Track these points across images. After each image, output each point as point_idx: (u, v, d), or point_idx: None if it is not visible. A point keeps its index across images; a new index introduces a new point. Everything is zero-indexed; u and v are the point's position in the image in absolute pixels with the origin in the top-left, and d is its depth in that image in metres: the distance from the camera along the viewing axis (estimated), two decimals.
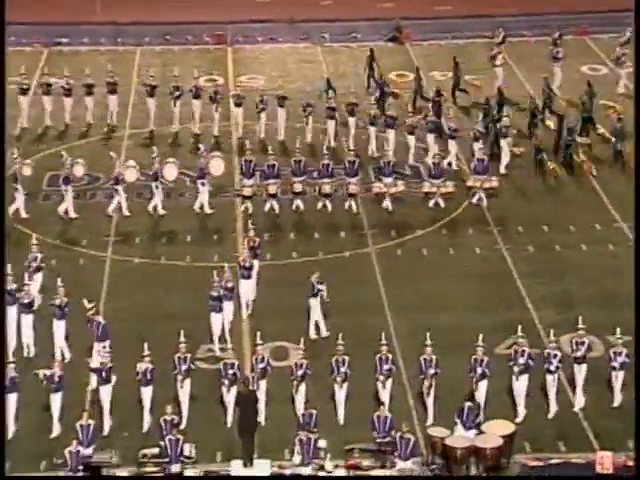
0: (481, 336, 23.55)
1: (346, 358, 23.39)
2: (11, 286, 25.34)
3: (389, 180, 31.76)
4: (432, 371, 23.26)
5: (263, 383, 23.33)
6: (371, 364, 23.62)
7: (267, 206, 31.37)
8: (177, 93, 35.71)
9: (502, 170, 33.35)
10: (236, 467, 21.51)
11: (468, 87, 37.88)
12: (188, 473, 21.16)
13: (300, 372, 23.26)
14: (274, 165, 31.54)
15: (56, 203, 31.56)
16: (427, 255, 29.92)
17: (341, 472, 21.18)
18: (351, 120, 34.77)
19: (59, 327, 24.88)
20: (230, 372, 23.24)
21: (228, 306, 25.70)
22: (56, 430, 22.75)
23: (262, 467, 21.53)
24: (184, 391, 23.31)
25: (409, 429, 21.78)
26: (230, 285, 25.73)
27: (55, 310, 24.97)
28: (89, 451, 21.23)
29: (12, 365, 23.09)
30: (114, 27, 44.74)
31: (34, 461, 21.97)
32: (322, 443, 21.66)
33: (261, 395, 23.18)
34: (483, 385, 23.28)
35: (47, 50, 43.32)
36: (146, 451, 21.50)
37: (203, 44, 44.00)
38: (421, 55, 42.22)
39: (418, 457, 21.81)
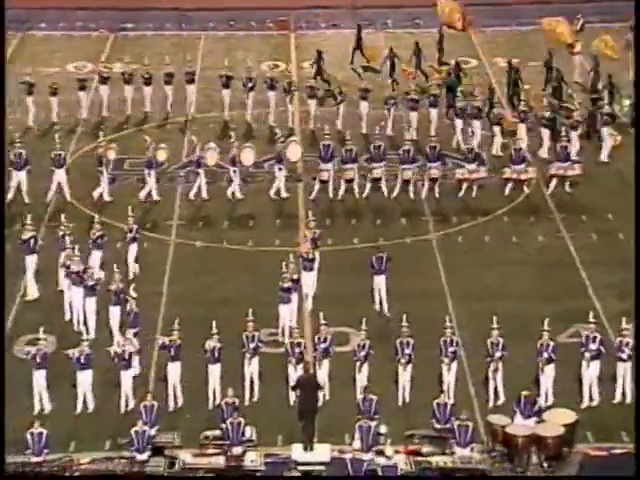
0: (547, 320, 23.51)
1: (410, 340, 23.53)
2: (79, 267, 25.71)
3: (472, 166, 31.75)
4: (499, 354, 23.27)
5: (326, 363, 23.54)
6: (432, 351, 23.65)
7: (341, 191, 31.45)
8: (250, 84, 35.75)
9: (603, 158, 33.12)
10: (297, 451, 21.65)
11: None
12: (249, 456, 21.32)
13: (362, 353, 23.43)
14: (352, 150, 31.61)
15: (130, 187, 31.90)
16: (489, 242, 29.82)
17: (401, 457, 21.21)
18: (433, 111, 34.68)
19: (114, 314, 25.18)
20: (297, 351, 23.48)
21: (294, 297, 25.84)
22: (130, 405, 23.08)
23: (322, 451, 21.65)
24: (252, 369, 23.58)
25: (468, 416, 21.78)
26: (295, 277, 25.88)
27: (111, 296, 25.33)
28: (153, 432, 21.49)
29: (86, 342, 23.48)
30: (179, 12, 45.11)
31: (99, 440, 22.28)
32: (382, 429, 21.72)
33: (323, 375, 23.38)
34: (549, 369, 23.27)
35: (113, 35, 43.78)
36: (208, 433, 21.71)
37: (266, 30, 44.15)
38: (484, 42, 41.95)
39: (478, 444, 21.81)
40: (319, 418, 22.13)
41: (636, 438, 21.28)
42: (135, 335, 24.08)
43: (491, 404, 23.25)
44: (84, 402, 23.26)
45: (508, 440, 21.46)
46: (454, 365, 23.60)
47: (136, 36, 43.97)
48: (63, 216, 28.16)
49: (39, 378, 23.25)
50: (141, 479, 20.88)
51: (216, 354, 23.35)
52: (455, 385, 23.51)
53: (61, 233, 27.17)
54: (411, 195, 31.54)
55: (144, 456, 21.03)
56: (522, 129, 33.68)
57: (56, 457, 21.13)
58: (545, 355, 23.23)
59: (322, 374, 23.43)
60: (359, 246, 29.29)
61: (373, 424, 21.53)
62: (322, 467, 21.28)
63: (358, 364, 23.50)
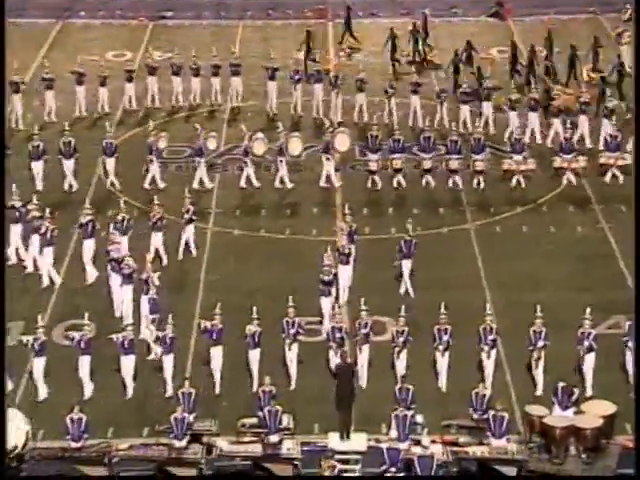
0: (589, 309, 23.42)
1: (448, 327, 23.57)
2: (118, 254, 25.93)
3: (519, 157, 31.62)
4: (541, 343, 23.25)
5: (365, 348, 23.67)
6: (470, 341, 23.63)
7: (395, 181, 31.53)
8: (297, 77, 35.77)
9: None
10: (333, 439, 21.70)
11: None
12: (286, 444, 21.38)
13: (401, 339, 23.52)
14: (399, 140, 31.61)
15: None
16: (527, 232, 29.70)
17: (438, 448, 21.18)
18: (485, 104, 34.47)
19: (143, 302, 25.29)
20: (338, 336, 23.57)
21: (334, 291, 25.86)
22: (169, 391, 23.25)
23: (359, 440, 21.70)
24: (292, 354, 23.71)
25: (504, 407, 21.72)
26: (334, 271, 25.90)
27: (142, 284, 25.46)
28: (191, 418, 21.59)
29: (130, 328, 23.71)
30: (217, 1, 45.17)
31: (137, 427, 22.45)
32: (419, 418, 21.72)
33: (363, 361, 23.52)
34: (590, 358, 23.23)
35: (151, 24, 43.93)
36: (245, 421, 21.80)
37: (304, 19, 44.11)
38: (522, 31, 41.69)
39: (514, 435, 21.75)
40: (356, 407, 22.16)
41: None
42: (154, 322, 24.20)
43: (538, 392, 23.23)
44: (126, 387, 23.46)
45: (546, 431, 21.38)
46: (493, 353, 23.62)
47: (175, 25, 44.09)
48: (122, 201, 28.42)
49: (84, 364, 23.44)
50: (179, 465, 21.00)
51: (256, 339, 23.48)
52: (494, 372, 23.50)
53: (120, 217, 27.56)
54: (450, 185, 31.45)
55: (182, 443, 21.14)
56: (584, 120, 33.31)
57: (95, 443, 21.27)
58: (586, 344, 23.20)
59: (362, 360, 23.57)
60: (395, 236, 29.21)
61: (410, 413, 21.54)
62: (358, 456, 21.30)
63: (397, 350, 23.63)
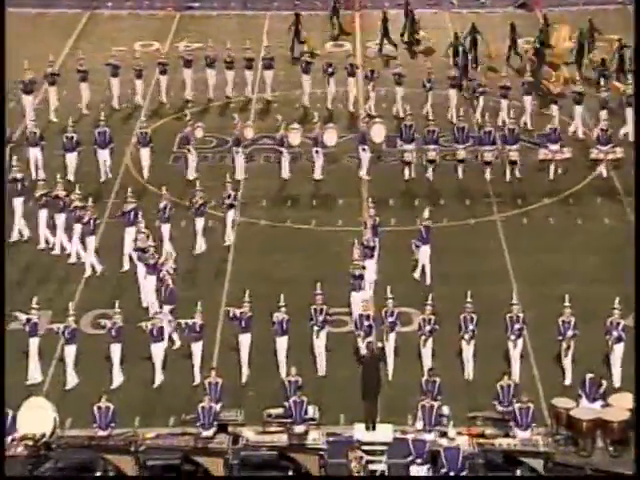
0: (617, 299, 23.33)
1: (474, 316, 23.58)
2: (144, 244, 25.98)
3: (556, 147, 31.51)
4: (570, 333, 23.22)
5: (392, 336, 23.73)
6: (496, 332, 23.59)
7: (429, 172, 31.51)
8: (330, 70, 35.69)
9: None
10: (359, 430, 21.70)
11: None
12: (312, 434, 21.41)
13: (427, 327, 23.56)
14: (434, 131, 31.58)
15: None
16: (553, 224, 29.58)
17: (464, 439, 21.15)
18: (527, 98, 34.37)
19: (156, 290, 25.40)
20: (365, 324, 23.61)
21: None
22: (197, 379, 23.35)
23: (385, 431, 21.69)
24: (320, 342, 23.79)
25: (530, 398, 21.66)
26: (363, 264, 25.84)
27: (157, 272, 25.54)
28: (217, 408, 21.65)
29: (160, 316, 23.83)
30: None
31: (163, 416, 22.55)
32: (445, 410, 21.68)
33: (389, 350, 23.61)
34: (619, 348, 23.20)
35: (178, 14, 43.98)
36: (271, 411, 21.83)
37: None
38: (551, 22, 41.40)
39: (541, 427, 21.70)
40: (382, 398, 22.16)
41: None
42: (171, 312, 24.25)
43: (567, 382, 23.21)
44: (155, 375, 23.54)
45: (573, 424, 21.32)
46: (520, 342, 23.60)
47: (202, 15, 44.13)
48: (165, 188, 28.49)
49: (115, 352, 23.55)
50: (205, 455, 21.06)
51: (284, 326, 23.53)
52: (520, 363, 23.48)
53: (162, 205, 27.73)
54: (487, 177, 31.39)
55: (209, 432, 21.20)
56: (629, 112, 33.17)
57: (122, 431, 21.37)
58: (615, 334, 23.12)
59: (389, 348, 23.63)
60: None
61: (436, 404, 21.52)
62: (384, 447, 21.29)
63: (423, 339, 23.65)
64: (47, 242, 28.34)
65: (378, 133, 32.12)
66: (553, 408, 21.83)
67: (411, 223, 29.25)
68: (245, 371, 23.70)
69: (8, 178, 28.83)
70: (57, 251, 28.10)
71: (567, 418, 21.43)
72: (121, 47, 38.72)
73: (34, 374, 23.54)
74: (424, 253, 26.72)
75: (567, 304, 23.49)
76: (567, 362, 23.43)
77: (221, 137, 33.99)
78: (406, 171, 31.59)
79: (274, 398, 22.27)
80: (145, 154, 31.67)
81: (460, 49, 36.87)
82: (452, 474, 20.24)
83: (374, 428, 21.73)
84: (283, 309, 23.68)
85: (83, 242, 27.48)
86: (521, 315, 23.65)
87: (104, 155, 31.39)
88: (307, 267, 27.47)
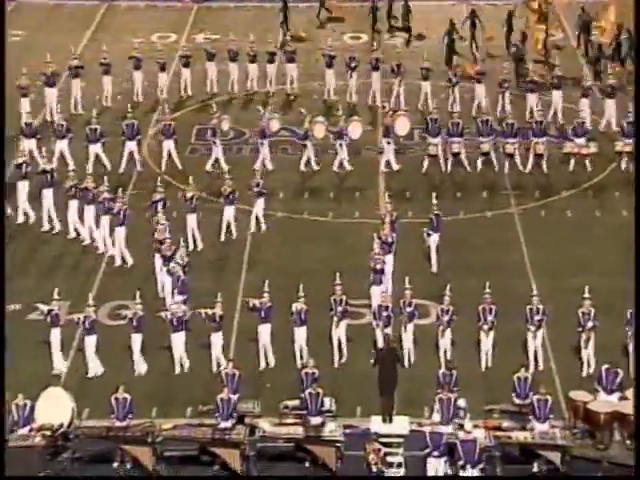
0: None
1: (493, 307, 23.58)
2: (162, 236, 26.02)
3: (581, 141, 31.42)
4: (590, 324, 23.19)
5: (410, 327, 23.78)
6: (514, 324, 23.57)
7: (449, 165, 31.47)
8: (353, 64, 35.65)
9: None
10: (375, 423, 21.70)
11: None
12: (328, 427, 21.42)
13: (446, 318, 23.58)
14: (458, 124, 31.54)
15: (203, 157, 32.12)
16: (571, 217, 29.50)
17: (480, 432, 21.13)
18: (556, 93, 34.24)
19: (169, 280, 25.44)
20: (384, 314, 23.67)
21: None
22: (215, 368, 23.43)
23: (401, 424, 21.68)
24: (340, 331, 23.83)
25: (547, 390, 21.62)
26: (383, 258, 25.80)
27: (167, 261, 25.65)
28: (235, 399, 21.67)
29: (182, 305, 23.88)
30: None
31: (180, 407, 22.60)
32: (462, 402, 21.65)
33: (408, 340, 23.68)
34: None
35: (196, 6, 43.98)
36: (288, 402, 21.86)
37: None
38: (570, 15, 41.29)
39: (558, 420, 21.67)
40: (399, 390, 22.14)
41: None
42: (185, 302, 24.29)
43: (584, 374, 23.19)
44: (174, 364, 23.64)
45: (590, 417, 21.28)
46: (539, 333, 23.58)
47: (219, 7, 44.12)
48: (191, 178, 28.56)
49: (136, 341, 23.63)
50: (222, 446, 21.12)
51: (302, 316, 23.56)
52: (535, 357, 23.48)
53: (189, 195, 27.89)
54: (506, 170, 31.32)
55: (228, 423, 21.22)
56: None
57: (139, 422, 21.44)
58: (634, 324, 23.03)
59: (407, 338, 23.67)
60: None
61: (453, 397, 21.50)
62: (401, 439, 21.29)
63: (441, 329, 23.63)
64: (77, 232, 28.39)
65: (402, 126, 32.10)
66: (570, 401, 21.78)
67: (428, 216, 29.29)
68: (271, 361, 23.75)
69: (37, 170, 28.91)
70: (87, 241, 28.17)
71: (584, 411, 21.40)
72: (139, 39, 38.71)
73: (59, 364, 23.61)
74: (434, 241, 26.78)
75: (587, 295, 23.46)
76: (586, 354, 23.40)
77: (239, 129, 33.97)
78: (425, 163, 31.39)
79: (291, 389, 22.28)
80: (169, 146, 31.56)
81: (455, 36, 37.08)
82: (469, 467, 20.23)
83: (391, 420, 21.71)
84: (302, 299, 23.70)
85: (111, 233, 27.52)
86: (541, 307, 23.64)
87: (131, 147, 31.42)
88: (324, 259, 27.46)
